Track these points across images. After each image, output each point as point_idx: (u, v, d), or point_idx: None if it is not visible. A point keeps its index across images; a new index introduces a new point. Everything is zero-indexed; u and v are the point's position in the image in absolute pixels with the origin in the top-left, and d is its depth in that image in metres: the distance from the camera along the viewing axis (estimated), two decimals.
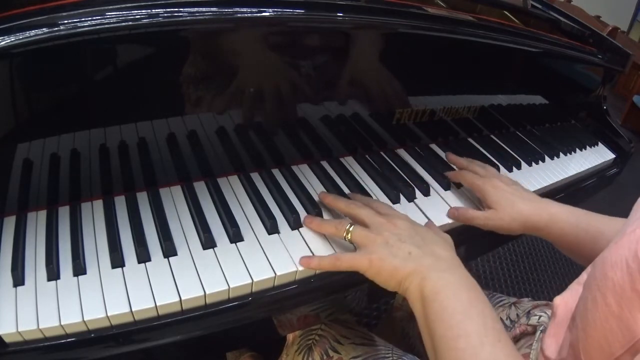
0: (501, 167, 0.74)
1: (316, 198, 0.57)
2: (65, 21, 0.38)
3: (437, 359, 0.41)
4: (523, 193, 0.60)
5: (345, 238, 0.49)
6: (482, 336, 0.39)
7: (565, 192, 0.78)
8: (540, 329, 0.57)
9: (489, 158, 0.75)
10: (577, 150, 0.90)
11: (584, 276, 0.48)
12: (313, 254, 0.49)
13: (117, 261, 0.44)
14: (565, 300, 0.49)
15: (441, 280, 0.43)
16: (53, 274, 0.42)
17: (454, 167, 0.69)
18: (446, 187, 0.65)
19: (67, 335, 0.40)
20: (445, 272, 0.44)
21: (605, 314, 0.35)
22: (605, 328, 0.35)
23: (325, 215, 0.55)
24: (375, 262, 0.45)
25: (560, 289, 0.52)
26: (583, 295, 0.41)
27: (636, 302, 0.32)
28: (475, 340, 0.38)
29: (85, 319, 0.39)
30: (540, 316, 0.60)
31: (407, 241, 0.46)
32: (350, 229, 0.48)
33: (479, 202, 0.64)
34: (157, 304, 0.42)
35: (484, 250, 1.14)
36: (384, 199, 0.61)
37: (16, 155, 0.44)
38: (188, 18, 0.43)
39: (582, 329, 0.39)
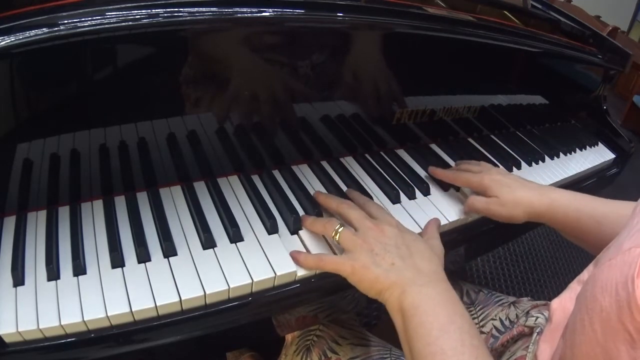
0: (501, 167, 0.74)
1: None
2: (65, 21, 0.38)
3: None
4: (522, 181, 0.60)
5: (333, 238, 0.48)
6: (459, 354, 0.38)
7: None
8: (537, 330, 0.57)
9: (489, 158, 0.75)
10: (577, 150, 0.90)
11: (584, 274, 0.47)
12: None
13: (117, 261, 0.44)
14: (563, 304, 0.48)
15: (420, 294, 0.43)
16: (53, 274, 0.42)
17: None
18: (446, 187, 0.65)
19: (67, 335, 0.40)
20: (425, 287, 0.43)
21: (590, 340, 0.34)
22: (590, 355, 0.34)
23: (326, 216, 0.55)
24: (358, 270, 0.45)
25: (560, 289, 0.52)
26: (574, 310, 0.40)
27: (621, 334, 0.31)
28: (452, 358, 0.38)
29: (85, 319, 0.39)
30: (537, 317, 0.59)
31: (392, 251, 0.46)
32: (340, 230, 0.48)
33: None
34: (157, 304, 0.42)
35: (483, 250, 1.14)
36: (383, 198, 0.61)
37: (16, 155, 0.44)
38: (188, 18, 0.43)
39: (569, 347, 0.38)
